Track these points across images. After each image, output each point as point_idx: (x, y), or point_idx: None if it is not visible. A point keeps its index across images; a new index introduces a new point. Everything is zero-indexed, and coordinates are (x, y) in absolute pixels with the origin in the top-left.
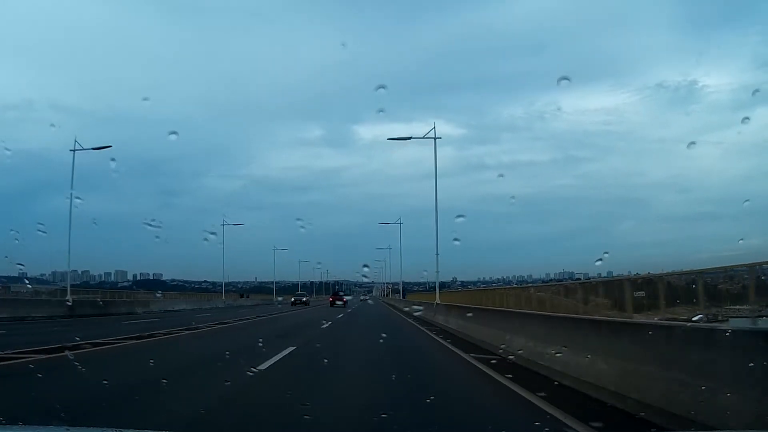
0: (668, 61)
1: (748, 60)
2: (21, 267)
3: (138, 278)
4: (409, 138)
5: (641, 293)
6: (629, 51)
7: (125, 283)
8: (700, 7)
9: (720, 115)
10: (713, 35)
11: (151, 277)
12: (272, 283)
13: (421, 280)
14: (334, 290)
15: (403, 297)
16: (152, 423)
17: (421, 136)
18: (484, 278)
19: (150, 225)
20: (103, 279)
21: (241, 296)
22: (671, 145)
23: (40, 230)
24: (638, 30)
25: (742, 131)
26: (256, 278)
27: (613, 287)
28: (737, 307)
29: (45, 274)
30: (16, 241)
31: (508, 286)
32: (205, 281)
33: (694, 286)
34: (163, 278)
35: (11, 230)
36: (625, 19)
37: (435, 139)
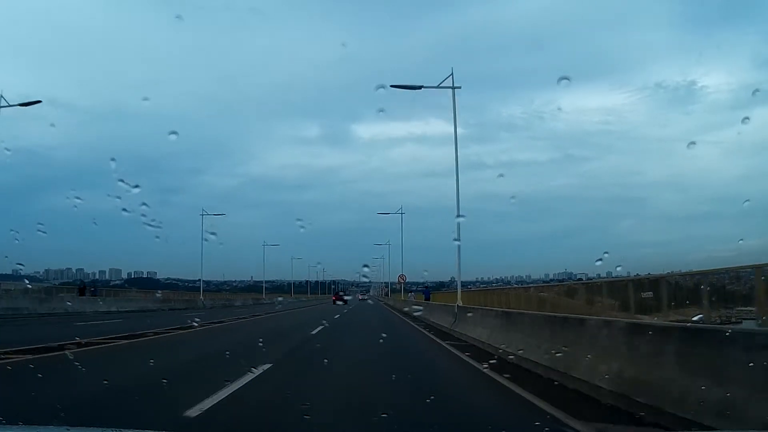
0: (668, 61)
1: (747, 59)
2: (20, 267)
3: (132, 276)
4: (420, 87)
5: (649, 294)
6: (628, 50)
7: (118, 282)
8: (699, 6)
9: (719, 114)
10: (713, 35)
11: (145, 276)
12: (268, 282)
13: (420, 280)
14: (334, 290)
15: (427, 299)
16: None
17: (436, 85)
18: (482, 278)
19: (150, 225)
20: (97, 277)
21: (82, 292)
22: (670, 144)
23: (39, 230)
24: (637, 29)
25: (742, 131)
26: (252, 277)
27: (618, 288)
28: (750, 308)
29: (39, 272)
30: (16, 242)
31: (509, 287)
32: (199, 280)
33: (702, 287)
34: (158, 276)
35: (11, 230)
36: (624, 19)
37: (453, 88)
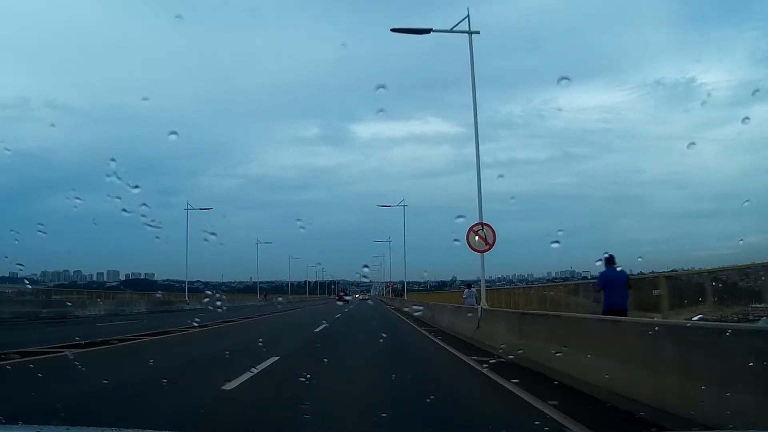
0: (666, 58)
1: (745, 56)
2: (20, 267)
3: (130, 278)
4: (429, 31)
5: (659, 292)
6: (627, 48)
7: (113, 283)
8: (697, 3)
9: (718, 112)
10: (711, 31)
11: (142, 277)
12: (266, 283)
13: (421, 280)
14: (336, 291)
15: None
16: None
17: (448, 29)
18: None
19: (150, 225)
20: (94, 279)
21: None
22: (669, 142)
23: (39, 230)
24: (636, 27)
25: (742, 131)
26: (251, 278)
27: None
28: (764, 305)
29: (36, 274)
30: (16, 242)
31: (520, 286)
32: (198, 281)
33: (714, 283)
34: (155, 278)
35: (11, 230)
36: (622, 16)
37: (470, 33)
